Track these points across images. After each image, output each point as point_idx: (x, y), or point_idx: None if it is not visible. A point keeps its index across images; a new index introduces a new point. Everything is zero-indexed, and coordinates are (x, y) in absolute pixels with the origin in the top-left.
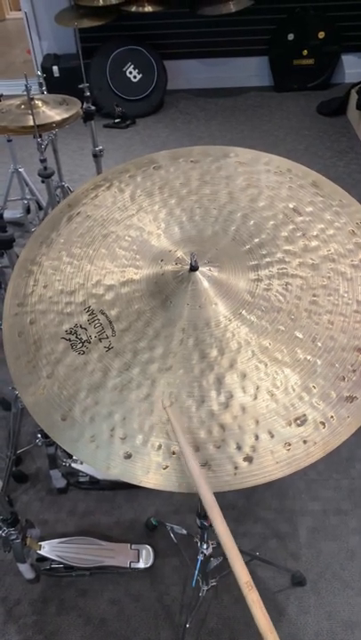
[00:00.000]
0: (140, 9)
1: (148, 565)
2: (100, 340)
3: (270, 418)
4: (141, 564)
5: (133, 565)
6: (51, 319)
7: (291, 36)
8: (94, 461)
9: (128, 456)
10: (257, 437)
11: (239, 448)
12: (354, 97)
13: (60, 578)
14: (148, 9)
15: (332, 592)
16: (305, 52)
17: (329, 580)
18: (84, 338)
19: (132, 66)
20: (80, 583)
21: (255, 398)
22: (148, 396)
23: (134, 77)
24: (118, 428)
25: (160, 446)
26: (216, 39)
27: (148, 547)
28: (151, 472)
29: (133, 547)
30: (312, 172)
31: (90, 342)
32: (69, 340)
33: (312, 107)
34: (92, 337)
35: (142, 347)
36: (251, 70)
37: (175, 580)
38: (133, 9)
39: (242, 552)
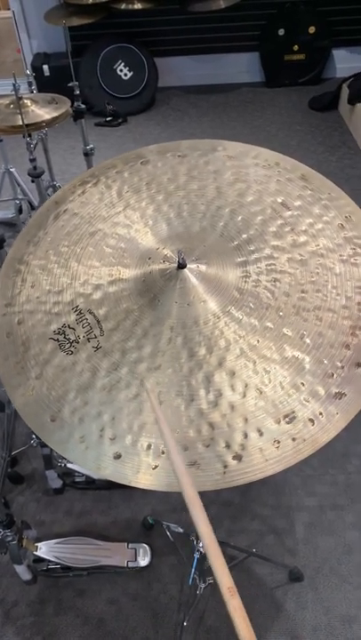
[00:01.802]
0: (130, 6)
1: (146, 564)
2: (88, 339)
3: (259, 416)
4: (139, 563)
5: (131, 564)
6: (39, 319)
7: (281, 32)
8: (84, 462)
9: (118, 456)
10: (246, 435)
11: (228, 446)
12: (345, 91)
13: (58, 578)
14: (138, 6)
15: (329, 587)
16: (296, 48)
17: (326, 576)
18: (73, 338)
19: (123, 64)
20: (77, 583)
21: (244, 396)
22: (136, 395)
23: (125, 75)
24: (108, 428)
25: (150, 446)
26: (206, 35)
27: (146, 545)
28: (141, 472)
29: (130, 546)
30: (301, 165)
31: (78, 342)
32: (57, 340)
33: (304, 102)
34: (81, 337)
35: (131, 346)
36: (242, 66)
37: (173, 579)
38: (123, 6)
39: (239, 549)
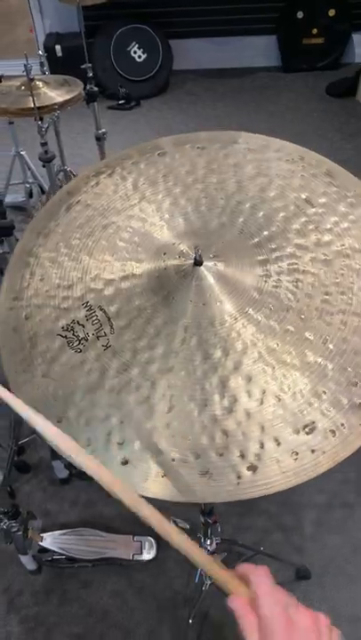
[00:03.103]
0: None
1: (151, 557)
2: (97, 337)
3: (277, 424)
4: (144, 556)
5: (136, 557)
6: (47, 314)
7: (300, 14)
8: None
9: (125, 462)
10: (262, 445)
11: (243, 456)
12: None
13: (63, 569)
14: None
15: (336, 586)
16: (314, 31)
17: (334, 574)
18: (82, 335)
19: (137, 45)
20: (82, 574)
21: (261, 403)
22: (147, 398)
23: (139, 57)
24: (115, 432)
25: (159, 452)
26: (223, 17)
27: (151, 539)
28: (150, 480)
29: (136, 538)
30: (326, 161)
31: (87, 340)
32: (66, 337)
33: (321, 87)
34: (90, 334)
35: (142, 346)
36: (258, 50)
37: (178, 573)
38: None
39: (246, 547)
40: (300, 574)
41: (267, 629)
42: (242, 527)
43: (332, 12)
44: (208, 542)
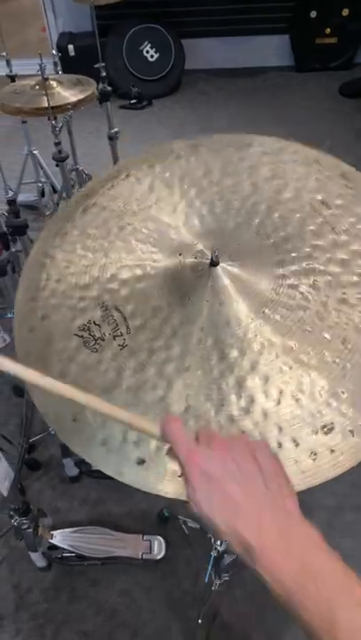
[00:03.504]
0: None
1: (160, 557)
2: (114, 337)
3: (295, 425)
4: (153, 556)
5: (145, 557)
6: (63, 314)
7: (313, 14)
8: (106, 466)
9: (141, 462)
10: (280, 445)
11: None
12: None
13: (72, 567)
14: None
15: None
16: (328, 31)
17: None
18: (98, 335)
19: (150, 45)
20: (92, 572)
21: (278, 403)
22: (163, 398)
23: (151, 57)
24: (132, 431)
25: None
26: (235, 17)
27: (160, 538)
28: (166, 480)
29: (145, 538)
30: (341, 164)
31: (103, 340)
32: (82, 336)
33: (334, 87)
34: (106, 334)
35: (159, 346)
36: (271, 49)
37: (187, 573)
38: None
39: None
40: None
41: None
42: None
43: (345, 12)
44: (218, 542)
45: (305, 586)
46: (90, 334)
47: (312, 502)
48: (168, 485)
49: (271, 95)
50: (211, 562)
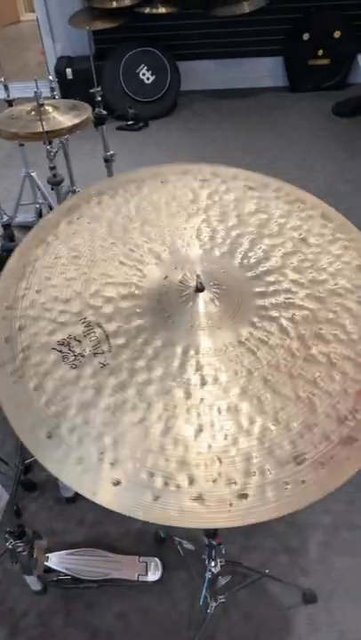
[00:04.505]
0: (154, 10)
1: (156, 579)
2: (94, 354)
3: (269, 454)
4: (149, 577)
5: (141, 578)
6: (42, 327)
7: (306, 36)
8: (80, 486)
9: (117, 483)
10: (254, 474)
11: (235, 483)
12: None
13: (67, 590)
14: (162, 10)
15: (343, 610)
16: (320, 52)
17: (341, 598)
18: (78, 351)
19: (146, 67)
20: (87, 595)
21: (255, 432)
22: (142, 420)
23: (147, 79)
24: (108, 452)
25: (152, 475)
26: (230, 40)
27: (157, 560)
28: (141, 503)
29: (142, 559)
30: (322, 204)
31: (83, 356)
32: (61, 351)
33: (327, 107)
34: (87, 351)
35: (140, 366)
36: (265, 71)
37: (183, 595)
38: (147, 10)
39: (250, 569)
40: (306, 598)
41: None
42: (248, 548)
43: (337, 34)
44: (213, 564)
45: None
46: (69, 349)
47: (308, 521)
48: (143, 509)
49: (266, 115)
50: (205, 583)
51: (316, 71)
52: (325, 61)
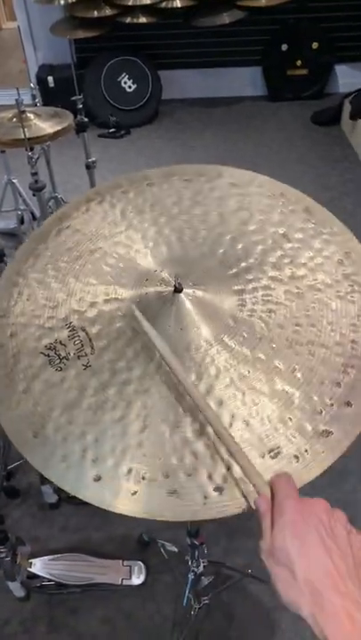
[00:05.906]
0: (135, 20)
1: (140, 582)
2: (78, 357)
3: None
4: (133, 581)
5: (125, 582)
6: (31, 333)
7: (284, 47)
8: (63, 482)
9: (98, 479)
10: (229, 468)
11: (210, 477)
12: (348, 107)
13: (51, 595)
14: (143, 20)
15: None
16: (299, 63)
17: None
18: (63, 354)
19: (127, 76)
20: (71, 601)
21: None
22: (121, 418)
23: (129, 87)
24: (90, 449)
25: (130, 471)
26: (210, 49)
27: (140, 563)
28: (120, 497)
29: (125, 563)
30: (306, 198)
31: (68, 359)
32: (48, 355)
33: (306, 116)
34: (71, 354)
35: (121, 367)
36: (245, 80)
37: (167, 598)
38: (128, 20)
39: (234, 569)
40: None
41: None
42: (231, 549)
43: (315, 45)
44: (195, 564)
45: None
46: (55, 353)
47: None
48: (122, 502)
49: (246, 124)
50: (188, 584)
51: (294, 81)
52: (304, 71)
